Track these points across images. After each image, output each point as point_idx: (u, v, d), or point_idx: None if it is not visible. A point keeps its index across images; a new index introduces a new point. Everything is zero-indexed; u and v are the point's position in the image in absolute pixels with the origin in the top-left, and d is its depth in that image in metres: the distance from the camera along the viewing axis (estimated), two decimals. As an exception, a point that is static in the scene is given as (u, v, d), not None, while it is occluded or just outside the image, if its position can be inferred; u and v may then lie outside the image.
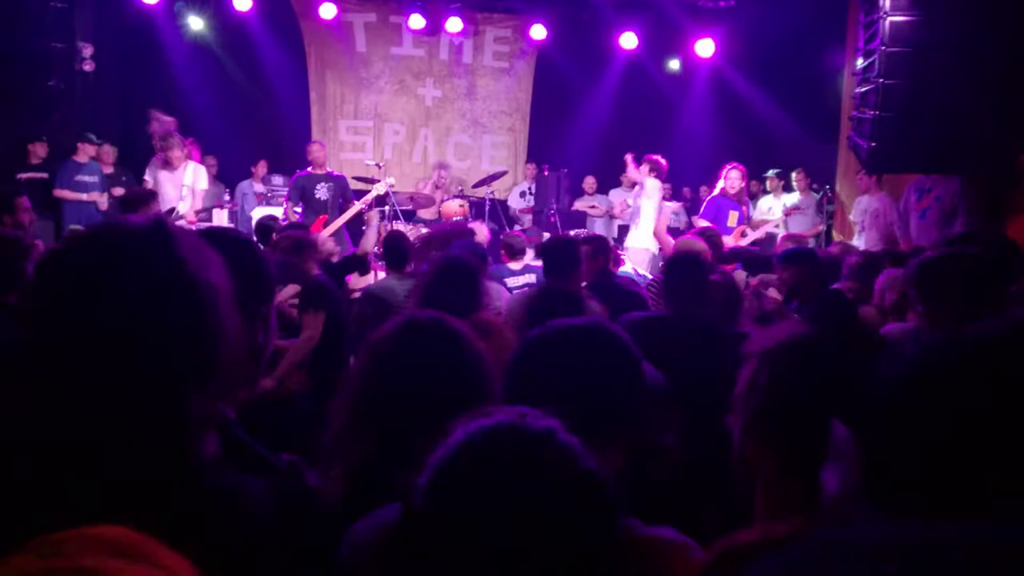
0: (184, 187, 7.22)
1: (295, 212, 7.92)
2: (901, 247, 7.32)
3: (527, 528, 0.97)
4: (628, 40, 10.89)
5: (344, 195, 8.12)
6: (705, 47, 10.89)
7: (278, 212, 8.59)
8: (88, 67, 8.89)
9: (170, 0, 9.95)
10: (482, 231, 7.15)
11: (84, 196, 8.63)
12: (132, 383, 0.95)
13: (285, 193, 9.14)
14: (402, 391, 1.64)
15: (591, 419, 1.20)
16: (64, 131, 8.47)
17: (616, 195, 10.59)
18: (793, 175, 9.21)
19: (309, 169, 8.17)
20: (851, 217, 8.41)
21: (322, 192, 8.01)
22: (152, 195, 5.21)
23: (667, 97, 11.82)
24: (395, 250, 5.18)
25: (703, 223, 7.60)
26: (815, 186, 9.13)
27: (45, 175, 8.77)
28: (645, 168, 8.19)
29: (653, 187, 8.06)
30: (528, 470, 1.00)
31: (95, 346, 0.94)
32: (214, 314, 1.02)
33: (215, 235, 1.57)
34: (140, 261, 0.97)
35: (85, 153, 8.80)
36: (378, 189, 7.99)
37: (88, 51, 8.77)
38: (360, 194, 8.17)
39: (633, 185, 8.59)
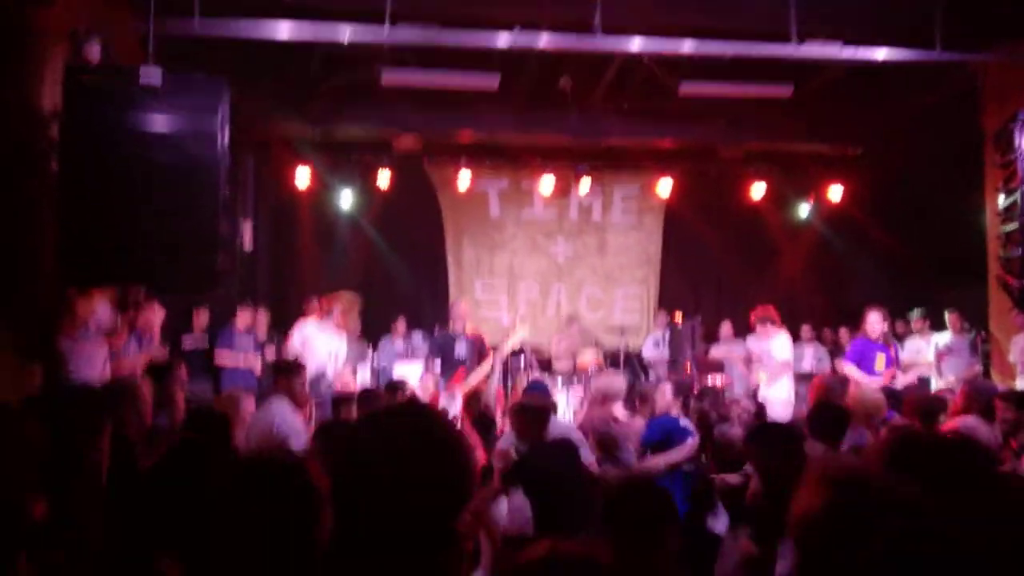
0: (330, 352, 7.66)
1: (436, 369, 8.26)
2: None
3: None
4: (756, 189, 10.96)
5: (480, 352, 8.38)
6: (835, 192, 10.84)
7: (418, 367, 8.95)
8: (248, 242, 9.72)
9: (318, 181, 10.78)
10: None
11: (241, 359, 9.19)
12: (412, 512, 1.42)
13: (424, 349, 9.55)
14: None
15: None
16: (224, 300, 9.15)
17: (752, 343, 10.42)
18: (947, 315, 8.87)
19: (449, 327, 8.55)
20: (1010, 358, 7.91)
21: (460, 349, 8.31)
22: (301, 367, 5.61)
23: (800, 243, 11.73)
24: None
25: (850, 367, 7.32)
26: (967, 326, 8.71)
27: (206, 345, 9.43)
28: (759, 323, 8.28)
29: (782, 341, 8.13)
30: None
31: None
32: (465, 465, 1.50)
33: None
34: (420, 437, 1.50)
35: (242, 320, 9.42)
36: (512, 342, 8.29)
37: (248, 228, 9.61)
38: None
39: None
